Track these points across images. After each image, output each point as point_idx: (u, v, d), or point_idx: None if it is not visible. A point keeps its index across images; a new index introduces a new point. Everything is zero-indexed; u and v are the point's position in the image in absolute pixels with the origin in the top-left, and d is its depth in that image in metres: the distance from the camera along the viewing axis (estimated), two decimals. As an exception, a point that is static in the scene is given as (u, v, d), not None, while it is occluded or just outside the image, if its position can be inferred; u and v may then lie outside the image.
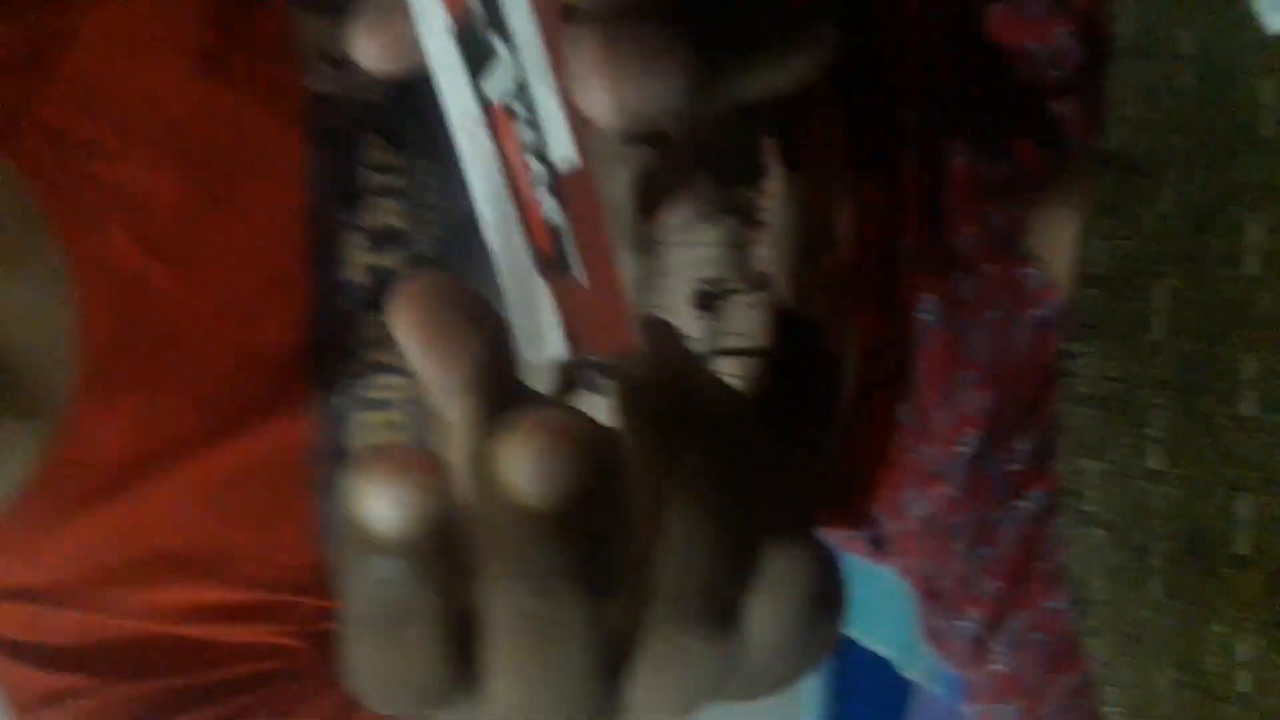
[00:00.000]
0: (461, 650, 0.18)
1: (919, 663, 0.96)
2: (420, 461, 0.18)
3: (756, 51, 0.22)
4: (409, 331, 0.23)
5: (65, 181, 0.51)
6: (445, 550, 0.18)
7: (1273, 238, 0.41)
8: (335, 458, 0.55)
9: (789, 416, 0.67)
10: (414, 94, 0.58)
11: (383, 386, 0.56)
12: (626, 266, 0.32)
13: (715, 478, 0.20)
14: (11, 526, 0.51)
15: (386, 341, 0.56)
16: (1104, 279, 0.47)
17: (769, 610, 0.20)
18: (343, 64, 0.56)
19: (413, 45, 0.25)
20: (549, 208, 0.22)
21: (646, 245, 0.64)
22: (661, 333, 0.24)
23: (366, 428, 0.56)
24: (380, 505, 0.17)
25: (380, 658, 0.18)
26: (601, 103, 0.19)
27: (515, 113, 0.22)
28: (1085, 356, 0.48)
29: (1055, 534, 0.73)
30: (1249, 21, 0.39)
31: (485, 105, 0.23)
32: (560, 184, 0.21)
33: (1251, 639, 0.46)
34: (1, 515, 0.51)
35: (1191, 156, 0.43)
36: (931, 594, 0.84)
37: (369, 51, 0.25)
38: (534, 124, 0.21)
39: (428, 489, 0.18)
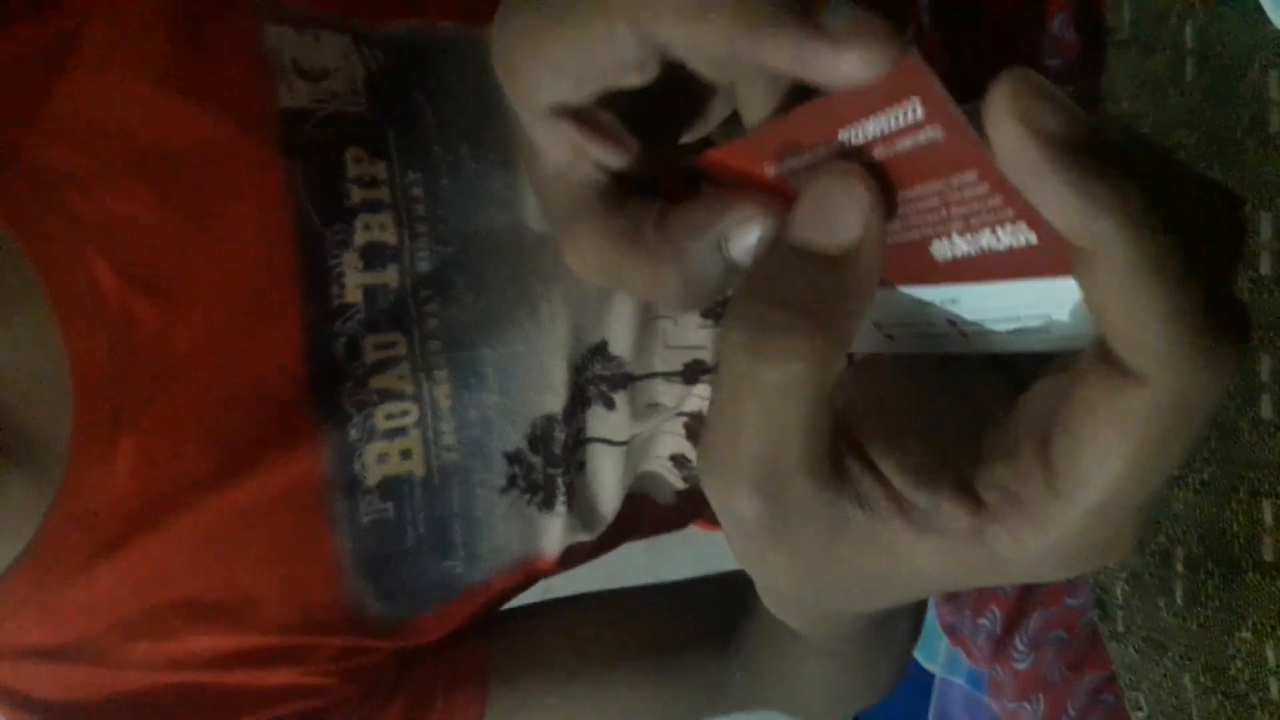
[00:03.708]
0: None
1: (940, 656, 0.95)
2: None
3: None
4: None
5: (43, 218, 0.49)
6: None
7: (1287, 237, 0.39)
8: (349, 495, 0.54)
9: None
10: (394, 102, 0.56)
11: (394, 414, 0.54)
12: None
13: None
14: (26, 582, 0.49)
15: (391, 365, 0.54)
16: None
17: None
18: (314, 76, 0.54)
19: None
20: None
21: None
22: None
23: (380, 458, 0.54)
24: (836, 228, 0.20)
25: None
26: None
27: None
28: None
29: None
30: (1253, 15, 0.37)
31: None
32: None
33: (1278, 649, 0.45)
34: (14, 571, 0.50)
35: (1199, 153, 0.42)
36: (950, 593, 0.83)
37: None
38: None
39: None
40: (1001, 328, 0.22)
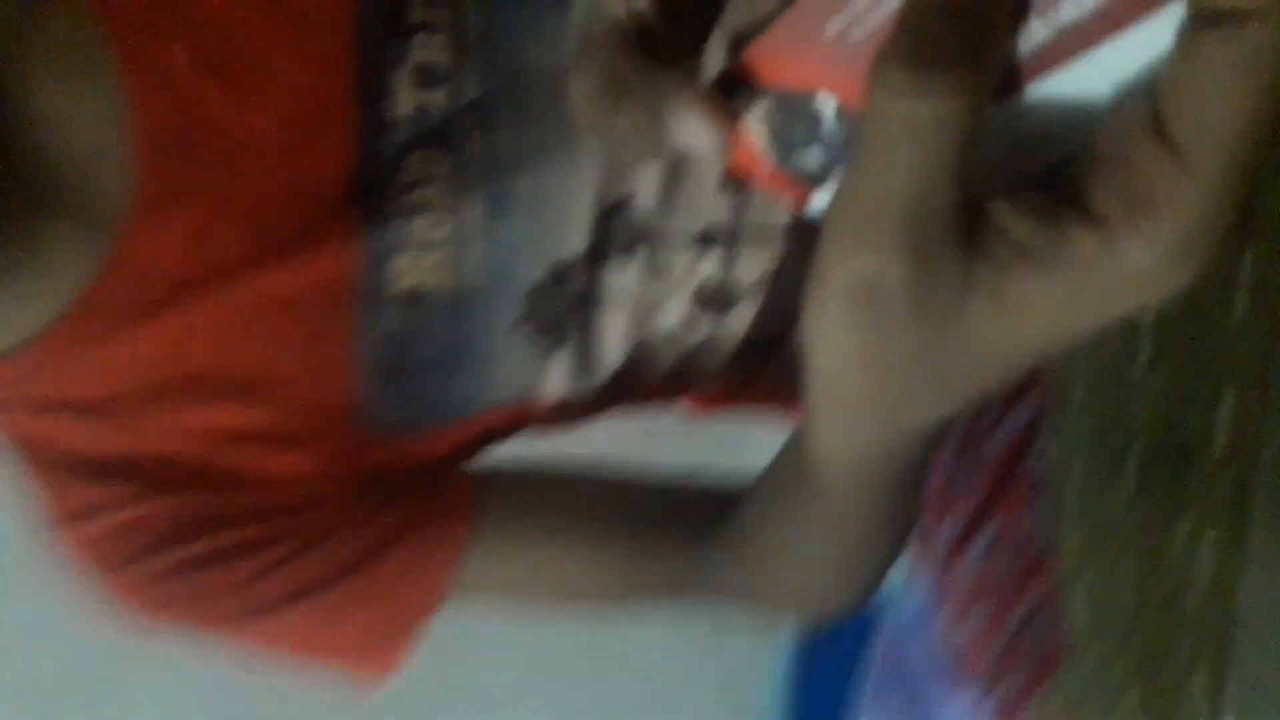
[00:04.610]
0: None
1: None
2: None
3: None
4: None
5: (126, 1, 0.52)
6: None
7: None
8: (375, 298, 0.57)
9: None
10: None
11: (428, 227, 0.58)
12: None
13: None
14: (69, 334, 0.53)
15: (431, 181, 0.57)
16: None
17: None
18: None
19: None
20: None
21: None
22: None
23: (409, 268, 0.58)
24: None
25: None
26: None
27: None
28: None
29: (1040, 441, 0.75)
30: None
31: None
32: None
33: (1215, 537, 0.49)
34: (59, 322, 0.53)
35: None
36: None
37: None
38: None
39: None
40: (1066, 110, 0.22)
